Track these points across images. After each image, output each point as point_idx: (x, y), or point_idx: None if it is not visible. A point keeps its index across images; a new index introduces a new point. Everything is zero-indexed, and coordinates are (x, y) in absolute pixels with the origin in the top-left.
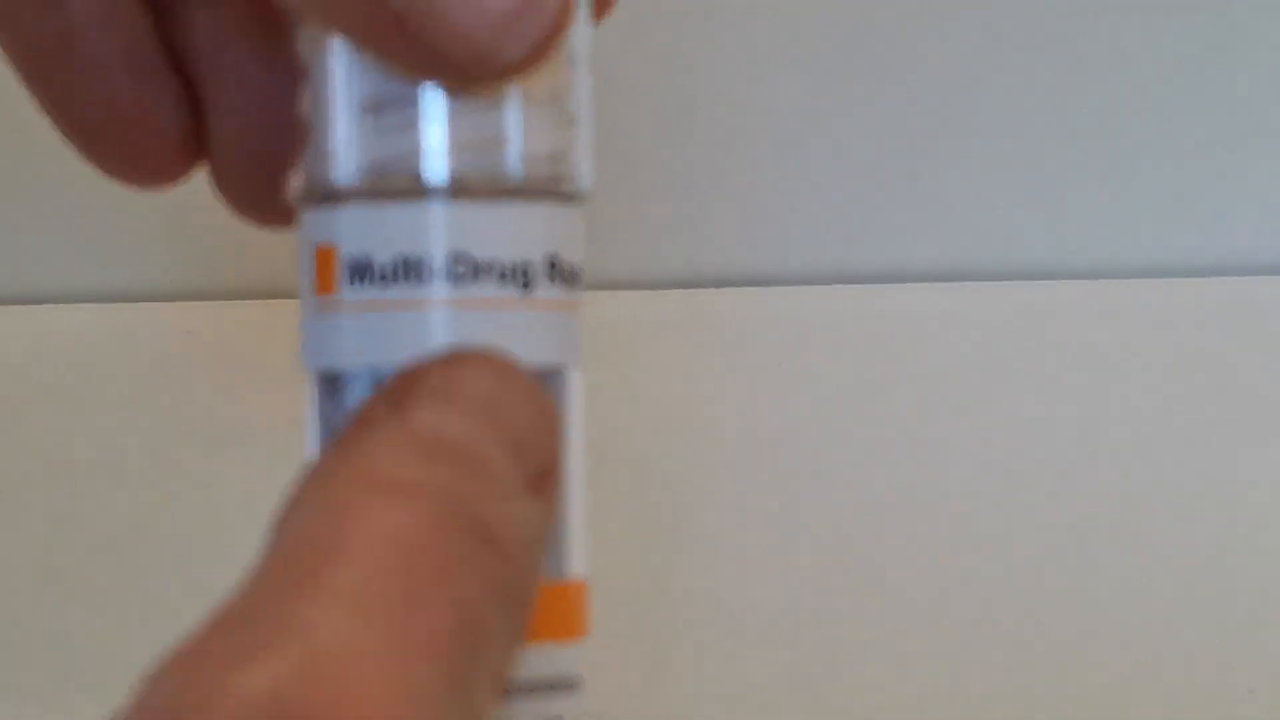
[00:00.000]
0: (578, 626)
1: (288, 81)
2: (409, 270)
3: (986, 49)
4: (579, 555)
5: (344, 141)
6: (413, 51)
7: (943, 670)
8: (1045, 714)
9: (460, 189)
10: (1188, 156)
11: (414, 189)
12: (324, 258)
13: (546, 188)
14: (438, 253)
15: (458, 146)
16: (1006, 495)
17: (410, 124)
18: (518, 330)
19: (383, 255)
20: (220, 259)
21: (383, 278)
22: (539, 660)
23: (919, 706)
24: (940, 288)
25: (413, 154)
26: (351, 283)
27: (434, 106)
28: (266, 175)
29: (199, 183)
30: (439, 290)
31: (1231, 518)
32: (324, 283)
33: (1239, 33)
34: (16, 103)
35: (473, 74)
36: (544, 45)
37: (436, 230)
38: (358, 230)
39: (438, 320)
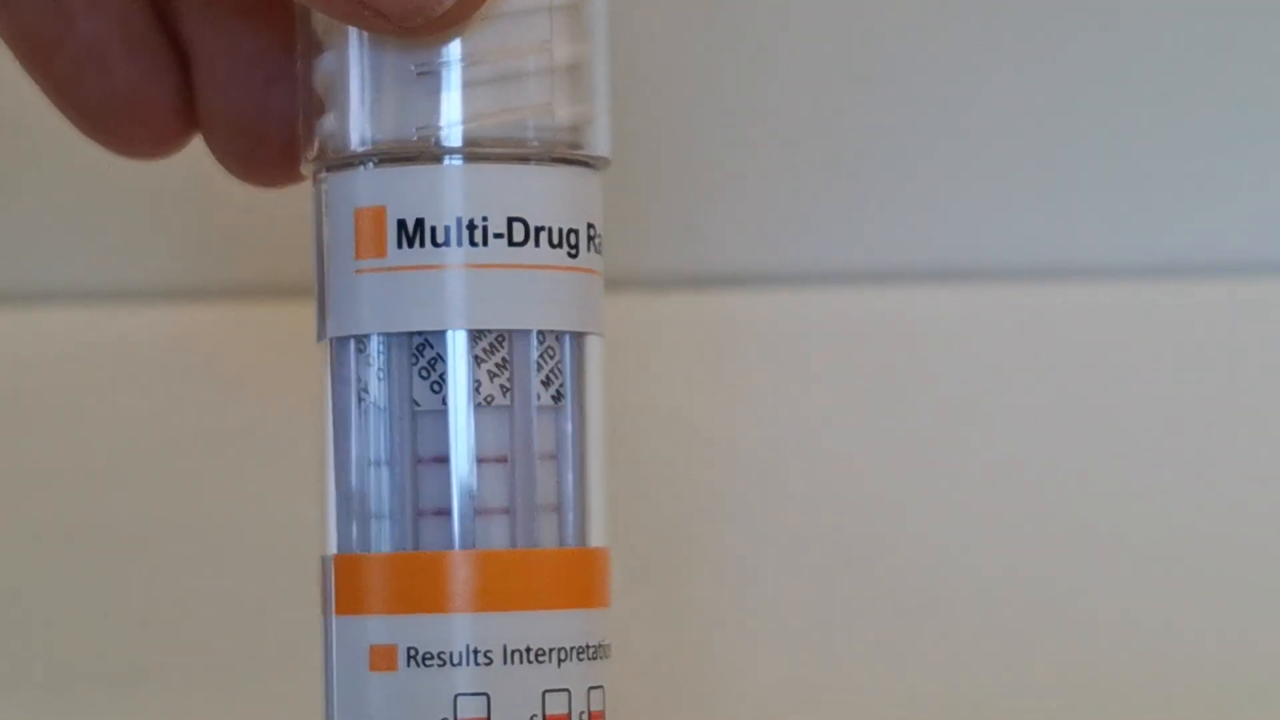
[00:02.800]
0: (606, 595)
1: (274, 44)
2: (461, 231)
3: (987, 49)
4: (602, 524)
5: (393, 106)
6: (348, 5)
7: (950, 667)
8: (1051, 710)
9: (512, 154)
10: (1187, 156)
11: (467, 153)
12: (370, 220)
13: (582, 156)
14: (495, 213)
15: (507, 112)
16: (1005, 495)
17: (459, 88)
18: (564, 294)
19: (437, 216)
20: (222, 259)
21: (435, 241)
22: (578, 625)
23: (925, 704)
24: (940, 288)
25: (466, 118)
26: (400, 245)
27: (483, 71)
28: (259, 136)
29: (200, 184)
30: (495, 254)
31: (1232, 517)
32: (368, 246)
33: (1239, 33)
34: (17, 103)
35: (409, 24)
36: None
37: (491, 187)
38: (411, 190)
39: (493, 283)
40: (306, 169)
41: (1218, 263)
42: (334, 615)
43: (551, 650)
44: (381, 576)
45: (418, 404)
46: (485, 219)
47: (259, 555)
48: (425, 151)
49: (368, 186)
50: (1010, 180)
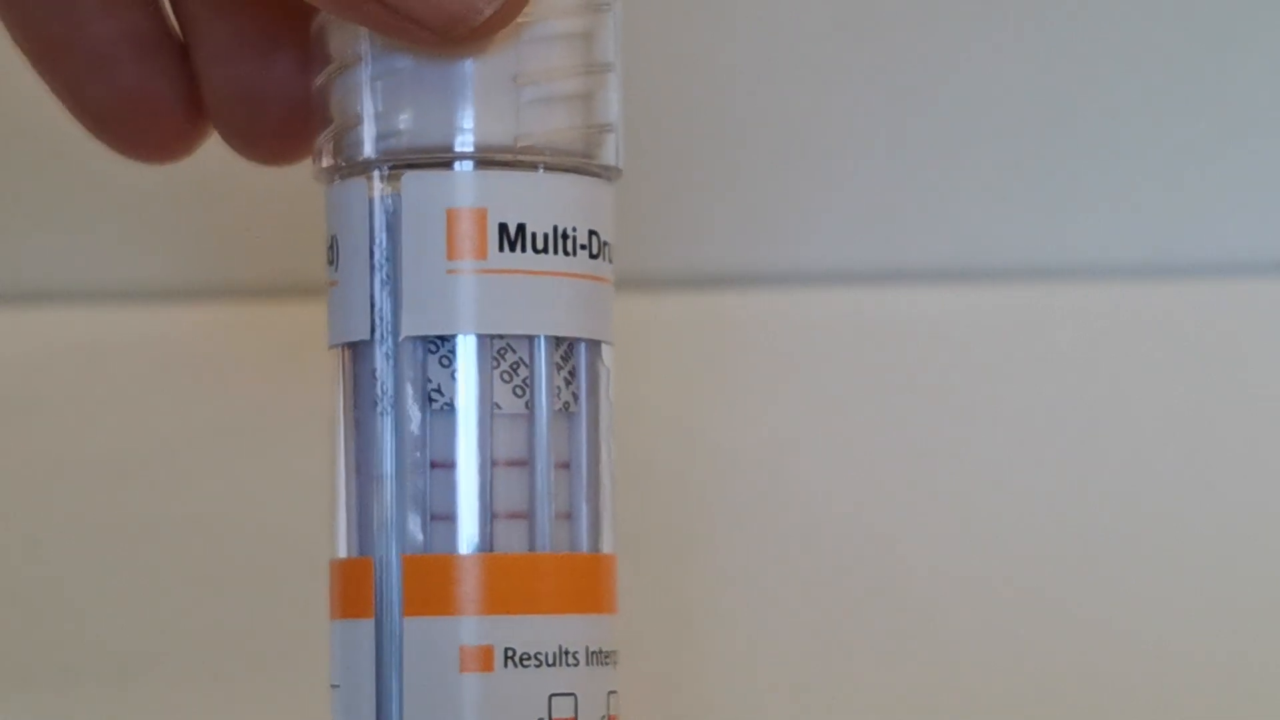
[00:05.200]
0: (614, 601)
1: (272, 18)
2: (560, 238)
3: (987, 50)
4: (611, 531)
5: (490, 111)
6: (387, 16)
7: (951, 667)
8: (1052, 706)
9: (587, 167)
10: (1187, 156)
11: (555, 164)
12: (469, 221)
13: (613, 167)
14: (581, 224)
15: (588, 127)
16: (1005, 494)
17: (551, 99)
18: (598, 303)
19: (537, 223)
20: (222, 259)
21: (536, 248)
22: (590, 630)
23: (925, 703)
24: (940, 288)
25: (557, 129)
26: (501, 249)
27: (566, 86)
28: (259, 109)
29: (200, 183)
30: (576, 263)
31: (1232, 516)
32: (466, 247)
33: (1239, 33)
34: (17, 103)
35: (452, 35)
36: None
37: (578, 200)
38: (510, 195)
39: (571, 292)
40: (328, 165)
41: (1218, 263)
42: (402, 617)
43: (611, 653)
44: (473, 577)
45: (499, 407)
46: (574, 229)
47: (259, 555)
48: (524, 159)
49: (465, 188)
50: (1010, 180)
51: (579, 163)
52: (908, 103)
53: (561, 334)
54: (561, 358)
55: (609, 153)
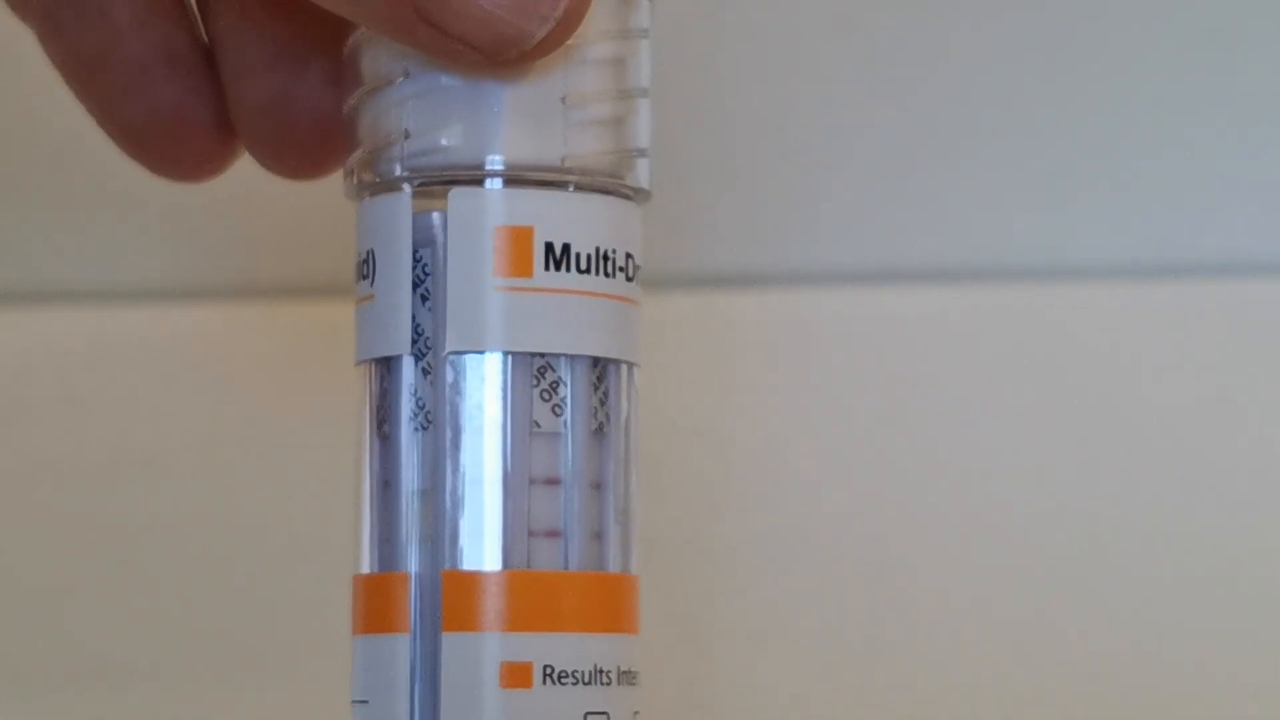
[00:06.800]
0: (638, 622)
1: (301, 33)
2: (601, 259)
3: (987, 50)
4: (637, 554)
5: (537, 131)
6: (438, 39)
7: (953, 668)
8: (1052, 710)
9: (621, 189)
10: (1187, 156)
11: (596, 185)
12: (516, 239)
13: (635, 190)
14: (620, 247)
15: (621, 152)
16: (1005, 494)
17: (595, 121)
18: (632, 325)
19: (581, 243)
20: (222, 259)
21: (580, 268)
22: (620, 649)
23: (926, 703)
24: (940, 288)
25: (600, 151)
26: (547, 268)
27: (608, 108)
28: (287, 124)
29: (203, 185)
30: (614, 285)
31: (1232, 517)
32: (513, 264)
33: (1239, 32)
34: (17, 104)
35: (500, 57)
36: (567, 20)
37: (618, 222)
38: (555, 215)
39: (609, 314)
40: (367, 179)
41: (1218, 263)
42: (440, 632)
43: (637, 674)
44: (513, 594)
45: (538, 425)
46: (614, 251)
47: (259, 555)
48: (569, 179)
49: (510, 206)
50: (1010, 180)
51: (616, 185)
52: (908, 103)
53: (601, 355)
54: (597, 379)
55: (642, 176)
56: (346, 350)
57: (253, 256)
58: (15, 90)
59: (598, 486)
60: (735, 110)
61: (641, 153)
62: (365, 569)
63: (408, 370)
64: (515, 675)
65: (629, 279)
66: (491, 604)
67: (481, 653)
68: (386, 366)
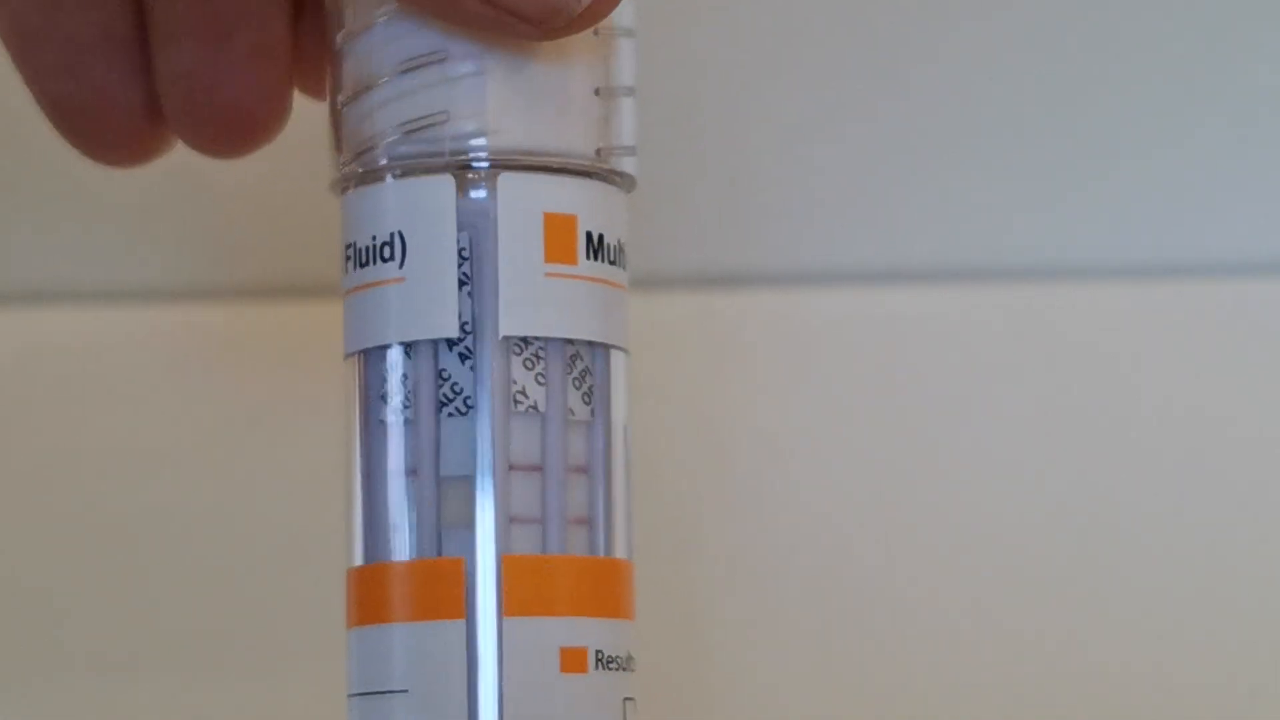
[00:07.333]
0: (633, 607)
1: (231, 8)
2: (618, 250)
3: (987, 50)
4: (630, 537)
5: (577, 120)
6: (487, 12)
7: (955, 668)
8: (1052, 710)
9: (621, 180)
10: (1187, 156)
11: (619, 177)
12: (562, 226)
13: (627, 179)
14: (624, 237)
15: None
16: (1005, 494)
17: (622, 113)
18: (621, 310)
19: (610, 234)
20: (222, 259)
21: (610, 259)
22: (615, 635)
23: (927, 703)
24: (940, 288)
25: (626, 143)
26: (588, 256)
27: (630, 101)
28: (208, 98)
29: (200, 184)
30: (625, 276)
31: (1233, 517)
32: (560, 251)
33: (1239, 32)
34: (17, 103)
35: (552, 26)
36: None
37: (623, 212)
38: (593, 204)
39: (623, 303)
40: (400, 157)
41: (1218, 263)
42: (503, 616)
43: (607, 657)
44: (574, 580)
45: (572, 413)
46: (622, 241)
47: (259, 554)
48: (600, 169)
49: (558, 194)
50: (1010, 180)
51: (625, 177)
52: (908, 102)
53: (621, 345)
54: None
55: (631, 164)
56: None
57: (253, 256)
58: (15, 90)
59: (612, 474)
60: (734, 109)
61: (633, 147)
62: (398, 556)
63: (442, 355)
64: (573, 660)
65: (624, 269)
66: (552, 589)
67: (545, 637)
68: (420, 350)
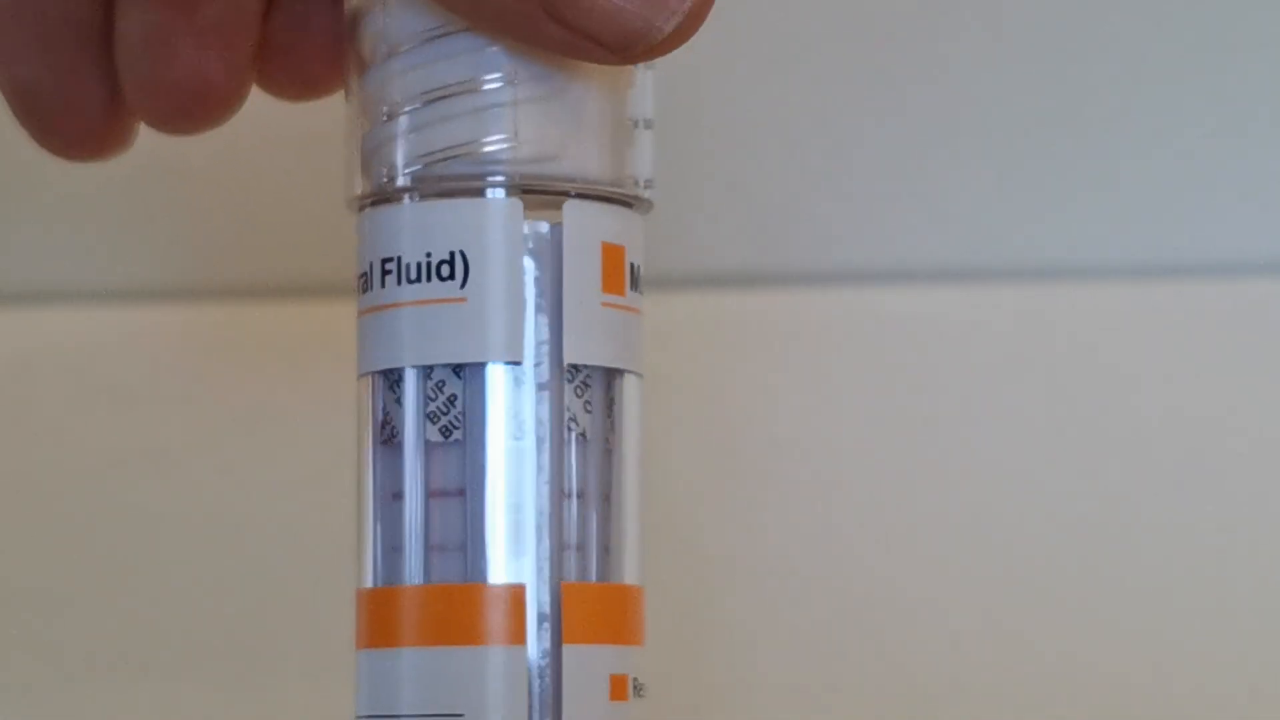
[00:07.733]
0: (643, 632)
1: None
2: (641, 280)
3: (987, 52)
4: (640, 562)
5: (623, 152)
6: (566, 36)
7: (957, 668)
8: (1053, 710)
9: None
10: (1187, 156)
11: (647, 204)
12: (614, 256)
13: (644, 200)
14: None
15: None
16: (1005, 495)
17: (649, 145)
18: (642, 336)
19: (643, 263)
20: (222, 259)
21: (637, 288)
22: (643, 662)
23: (936, 704)
24: (940, 288)
25: (652, 174)
26: (633, 288)
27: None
28: (167, 78)
29: (199, 184)
30: (642, 302)
31: (1233, 517)
32: (613, 281)
33: (1238, 32)
34: None
35: (628, 52)
36: (695, 14)
37: (643, 238)
38: (633, 235)
39: (640, 328)
40: (460, 175)
41: (1218, 263)
42: (562, 644)
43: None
44: (623, 607)
45: (608, 443)
46: (642, 269)
47: (258, 553)
48: (641, 199)
49: (616, 223)
50: (1010, 180)
51: (646, 205)
52: (909, 103)
53: (641, 371)
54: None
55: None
56: (347, 350)
57: (253, 256)
58: None
59: (628, 500)
60: (736, 110)
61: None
62: (435, 579)
63: (497, 378)
64: (619, 688)
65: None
66: (601, 617)
67: (597, 665)
68: (472, 373)
